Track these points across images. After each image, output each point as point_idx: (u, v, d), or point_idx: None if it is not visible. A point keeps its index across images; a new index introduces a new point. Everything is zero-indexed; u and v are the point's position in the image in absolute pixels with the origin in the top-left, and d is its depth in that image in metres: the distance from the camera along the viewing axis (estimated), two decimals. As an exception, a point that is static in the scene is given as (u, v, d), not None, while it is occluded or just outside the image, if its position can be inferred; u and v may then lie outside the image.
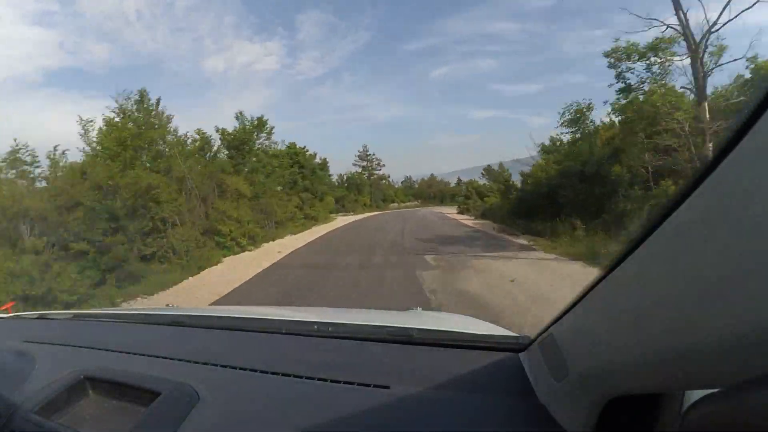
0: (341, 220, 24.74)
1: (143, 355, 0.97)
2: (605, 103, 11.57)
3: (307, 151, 26.37)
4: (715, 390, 0.34)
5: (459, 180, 63.27)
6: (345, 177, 42.58)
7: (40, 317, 1.45)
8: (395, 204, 49.00)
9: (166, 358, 0.94)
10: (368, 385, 0.75)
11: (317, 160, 28.18)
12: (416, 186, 61.21)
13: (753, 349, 0.28)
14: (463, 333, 1.00)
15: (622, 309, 0.45)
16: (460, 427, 0.64)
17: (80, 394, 0.81)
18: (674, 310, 0.35)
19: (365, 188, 44.94)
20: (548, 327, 0.70)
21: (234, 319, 1.25)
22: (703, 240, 0.33)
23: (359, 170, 48.94)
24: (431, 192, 58.43)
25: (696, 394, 0.39)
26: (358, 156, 50.65)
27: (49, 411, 0.75)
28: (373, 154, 50.98)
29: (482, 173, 40.67)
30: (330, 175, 35.66)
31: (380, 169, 51.14)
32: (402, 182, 60.70)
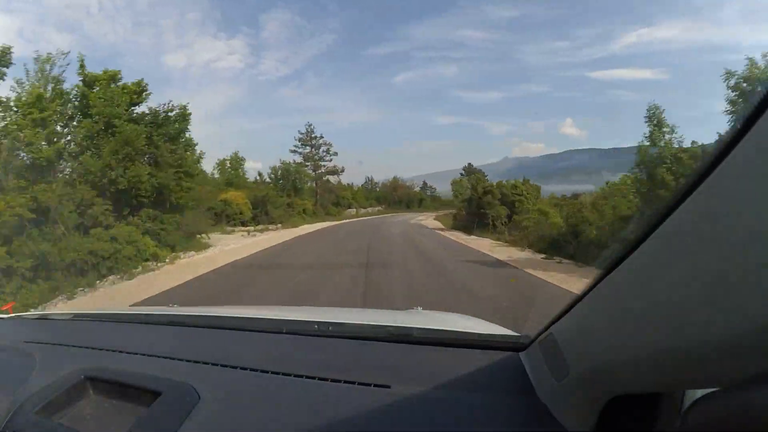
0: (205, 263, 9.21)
1: (143, 354, 0.97)
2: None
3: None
4: (715, 390, 0.34)
5: (425, 183, 59.40)
6: (278, 170, 29.50)
7: (41, 317, 1.45)
8: (352, 210, 37.25)
9: (166, 357, 0.94)
10: (369, 385, 0.75)
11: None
12: (378, 189, 50.84)
13: (752, 348, 0.28)
14: (463, 332, 1.00)
15: (622, 309, 0.45)
16: (461, 426, 0.64)
17: (81, 394, 0.81)
18: (674, 310, 0.35)
19: (305, 187, 31.04)
20: (548, 326, 0.70)
21: (234, 318, 1.25)
22: (702, 240, 0.33)
23: (298, 160, 34.08)
24: (396, 196, 49.66)
25: (696, 394, 0.39)
26: (299, 140, 35.52)
27: (50, 411, 0.75)
28: (321, 137, 36.09)
29: (462, 173, 37.34)
30: (243, 162, 27.22)
31: (331, 160, 36.47)
32: (363, 184, 49.80)
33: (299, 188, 29.22)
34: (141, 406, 0.74)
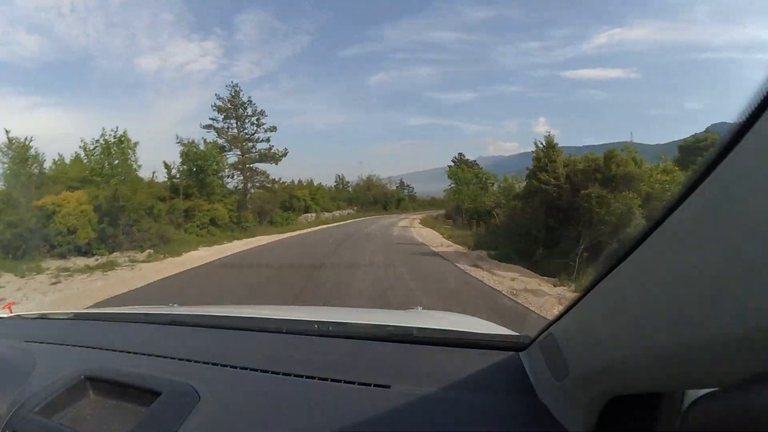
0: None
1: (144, 354, 0.97)
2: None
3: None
4: (715, 389, 0.34)
5: (402, 182, 53.78)
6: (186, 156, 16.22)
7: (41, 317, 1.45)
8: (310, 215, 25.09)
9: (166, 357, 0.94)
10: (369, 385, 0.75)
11: None
12: (351, 189, 42.07)
13: (752, 348, 0.28)
14: (463, 332, 1.00)
15: (622, 309, 0.45)
16: (461, 426, 0.64)
17: (81, 394, 0.82)
18: (674, 309, 0.35)
19: (216, 182, 16.95)
20: (549, 326, 0.70)
21: (234, 318, 1.25)
22: (702, 240, 0.33)
23: (213, 138, 19.69)
24: (370, 196, 42.07)
25: (696, 394, 0.39)
26: (218, 109, 20.38)
27: (50, 411, 0.75)
28: (250, 102, 20.98)
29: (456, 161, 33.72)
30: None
31: (268, 140, 21.52)
32: (335, 184, 40.98)
33: (208, 183, 16.23)
34: (141, 406, 0.74)
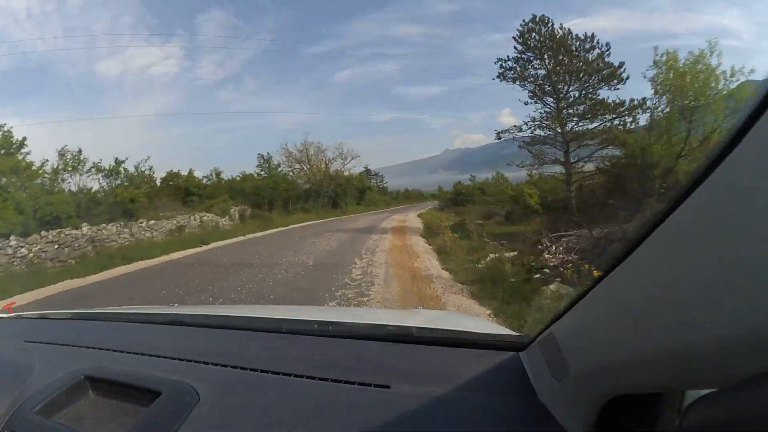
0: None
1: (143, 354, 0.97)
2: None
3: None
4: (715, 390, 0.34)
5: (367, 169, 39.07)
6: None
7: (41, 317, 1.45)
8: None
9: (166, 357, 0.94)
10: (369, 385, 0.75)
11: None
12: (265, 175, 25.30)
13: (752, 348, 0.28)
14: (463, 332, 1.00)
15: (622, 309, 0.45)
16: (461, 426, 0.64)
17: (80, 394, 0.82)
18: (674, 309, 0.35)
19: None
20: (548, 326, 0.70)
21: (234, 318, 1.25)
22: (702, 240, 0.33)
23: None
24: (308, 182, 27.33)
25: (696, 394, 0.39)
26: None
27: (50, 411, 0.75)
28: None
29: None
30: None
31: None
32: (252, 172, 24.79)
33: None
34: (140, 406, 0.74)
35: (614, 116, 15.87)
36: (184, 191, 17.93)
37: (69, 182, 13.68)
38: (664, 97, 12.98)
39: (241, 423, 0.69)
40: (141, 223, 12.54)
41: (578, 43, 16.94)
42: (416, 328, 0.96)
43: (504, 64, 17.57)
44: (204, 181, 20.09)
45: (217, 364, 0.88)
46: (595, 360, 0.50)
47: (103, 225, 11.19)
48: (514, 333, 0.95)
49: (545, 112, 17.39)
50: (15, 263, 8.52)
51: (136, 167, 16.08)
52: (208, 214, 15.92)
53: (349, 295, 4.92)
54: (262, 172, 25.84)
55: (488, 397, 0.71)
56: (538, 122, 17.33)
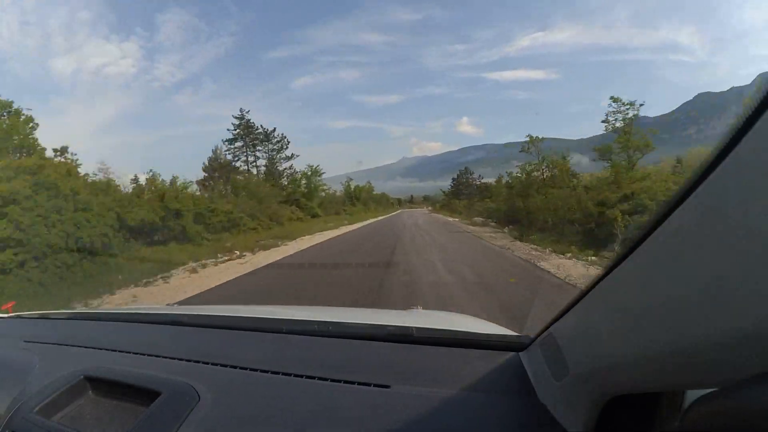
0: None
1: (143, 354, 0.97)
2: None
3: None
4: (715, 390, 0.34)
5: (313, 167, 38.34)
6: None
7: (41, 317, 1.45)
8: None
9: (166, 357, 0.94)
10: (369, 385, 0.75)
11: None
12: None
13: (752, 348, 0.28)
14: (463, 332, 1.00)
15: (622, 309, 0.45)
16: (461, 426, 0.64)
17: (80, 393, 0.82)
18: (674, 309, 0.35)
19: None
20: (549, 326, 0.70)
21: (234, 318, 1.25)
22: (702, 240, 0.33)
23: None
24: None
25: (696, 394, 0.39)
26: None
27: (50, 411, 0.75)
28: None
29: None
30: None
31: None
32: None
33: None
34: (141, 406, 0.74)
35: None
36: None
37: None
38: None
39: (240, 423, 0.69)
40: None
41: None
42: (416, 328, 0.96)
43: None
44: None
45: (217, 364, 0.88)
46: (595, 360, 0.50)
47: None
48: (514, 333, 0.95)
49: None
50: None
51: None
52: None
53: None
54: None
55: (488, 397, 0.71)
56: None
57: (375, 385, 0.75)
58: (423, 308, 1.57)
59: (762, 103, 0.29)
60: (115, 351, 1.01)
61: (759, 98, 0.29)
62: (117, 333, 1.23)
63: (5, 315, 1.48)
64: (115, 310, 1.59)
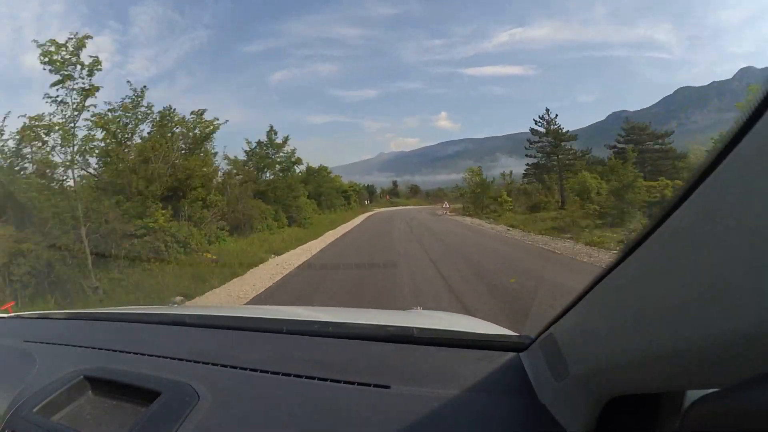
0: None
1: (143, 354, 0.97)
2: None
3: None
4: (715, 390, 0.34)
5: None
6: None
7: (41, 317, 1.46)
8: None
9: (166, 357, 0.94)
10: (369, 385, 0.75)
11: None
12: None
13: (752, 348, 0.28)
14: (463, 332, 1.00)
15: (622, 309, 0.45)
16: (461, 427, 0.64)
17: (80, 393, 0.82)
18: (674, 310, 0.35)
19: None
20: (549, 326, 0.70)
21: (234, 318, 1.25)
22: (702, 240, 0.33)
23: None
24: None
25: (696, 394, 0.39)
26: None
27: (50, 410, 0.75)
28: None
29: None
30: None
31: None
32: None
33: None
34: (140, 406, 0.74)
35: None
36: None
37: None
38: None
39: (240, 423, 0.69)
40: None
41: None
42: (416, 328, 0.96)
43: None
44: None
45: (217, 364, 0.88)
46: (595, 360, 0.50)
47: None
48: (515, 333, 0.95)
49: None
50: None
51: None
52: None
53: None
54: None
55: (489, 398, 0.71)
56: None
57: (375, 386, 0.74)
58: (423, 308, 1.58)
59: (762, 103, 0.29)
60: (115, 351, 1.01)
61: (759, 98, 0.29)
62: (117, 333, 1.23)
63: (5, 315, 1.48)
64: (115, 310, 1.59)
